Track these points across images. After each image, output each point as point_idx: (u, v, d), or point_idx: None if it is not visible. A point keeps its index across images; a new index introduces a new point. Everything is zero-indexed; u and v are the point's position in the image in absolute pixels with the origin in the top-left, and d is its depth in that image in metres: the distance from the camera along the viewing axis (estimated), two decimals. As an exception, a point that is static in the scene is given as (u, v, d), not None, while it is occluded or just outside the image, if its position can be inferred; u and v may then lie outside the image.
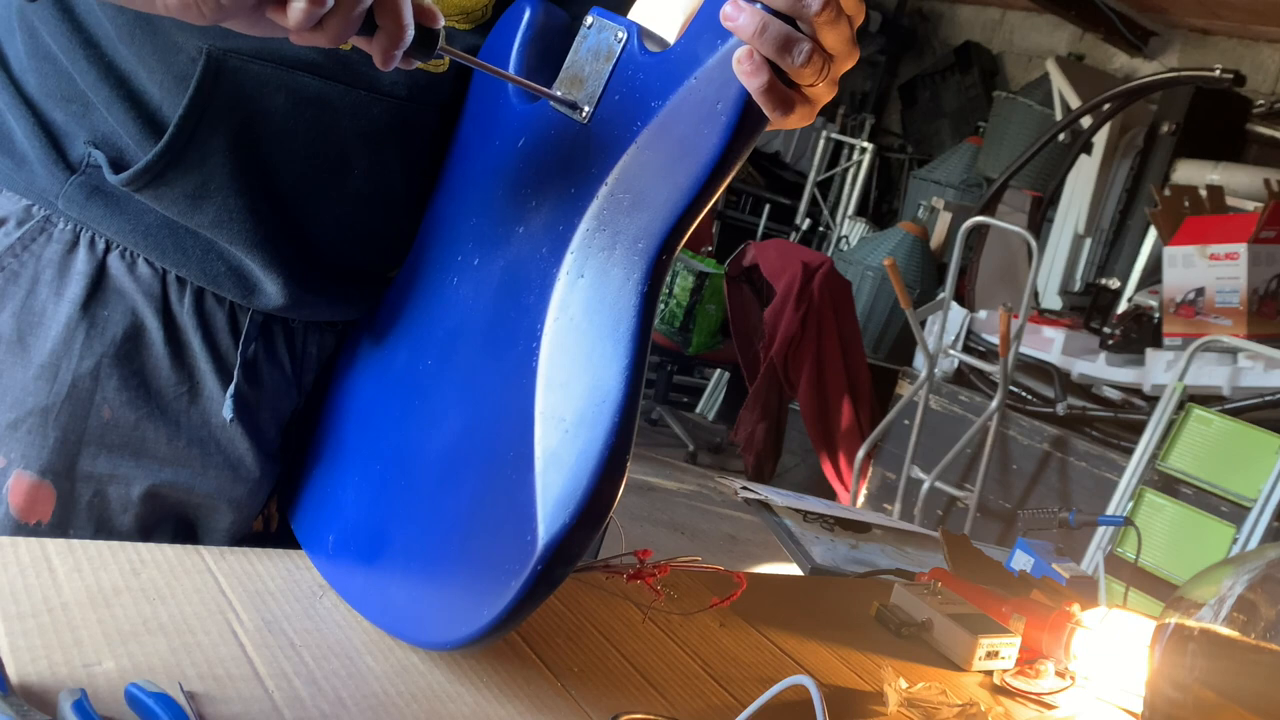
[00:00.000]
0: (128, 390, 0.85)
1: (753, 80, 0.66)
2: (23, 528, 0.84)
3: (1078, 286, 4.53)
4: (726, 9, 0.66)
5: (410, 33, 0.65)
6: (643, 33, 0.76)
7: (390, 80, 0.85)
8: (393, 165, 0.89)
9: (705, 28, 0.70)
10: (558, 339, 0.73)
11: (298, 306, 0.87)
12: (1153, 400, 3.33)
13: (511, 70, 0.83)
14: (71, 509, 0.85)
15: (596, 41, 0.77)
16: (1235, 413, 3.12)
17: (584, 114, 0.76)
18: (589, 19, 0.78)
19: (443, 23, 0.68)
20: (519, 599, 0.69)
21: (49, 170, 0.83)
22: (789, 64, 0.66)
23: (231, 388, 0.87)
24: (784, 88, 0.67)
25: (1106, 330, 3.70)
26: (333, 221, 0.87)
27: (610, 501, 0.69)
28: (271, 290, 0.86)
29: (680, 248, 0.72)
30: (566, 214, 0.76)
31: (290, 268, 0.85)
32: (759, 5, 0.66)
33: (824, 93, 0.69)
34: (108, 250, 0.85)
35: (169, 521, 0.89)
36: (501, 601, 0.70)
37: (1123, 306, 4.01)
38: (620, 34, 0.76)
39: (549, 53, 0.83)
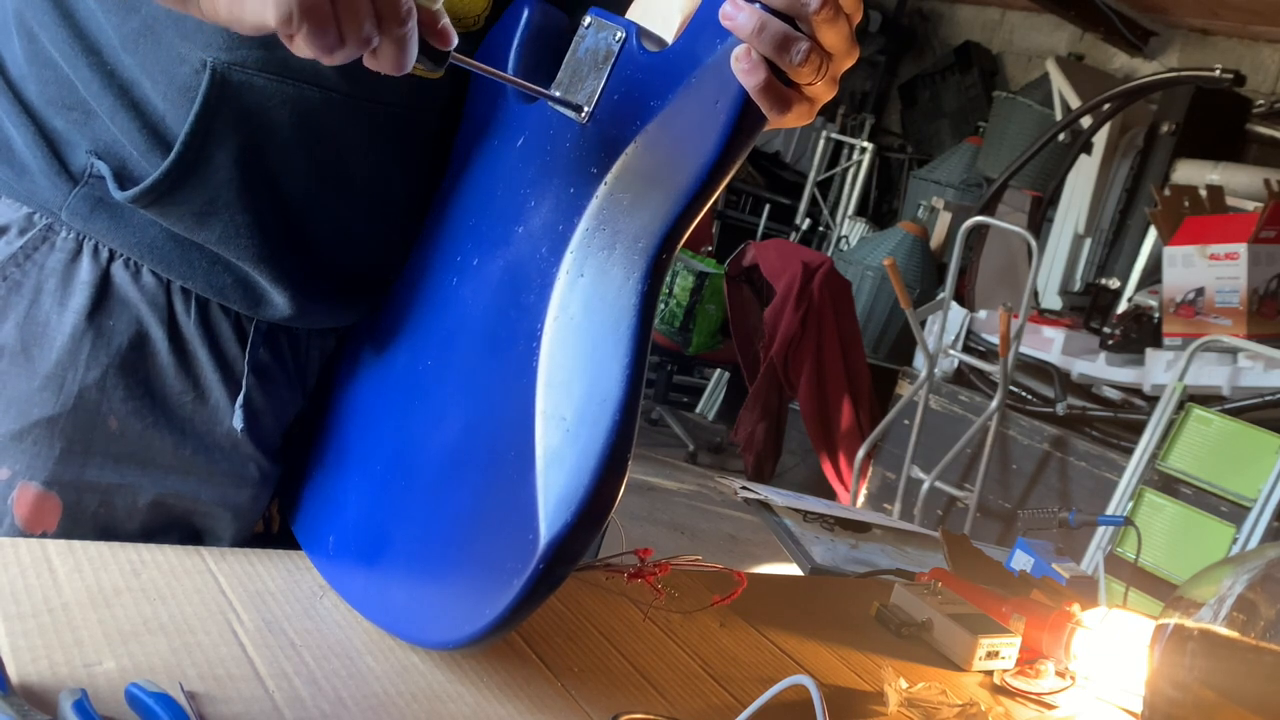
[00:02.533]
0: (134, 400, 0.84)
1: (750, 79, 0.66)
2: (28, 539, 0.83)
3: (1078, 286, 4.52)
4: (725, 8, 0.66)
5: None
6: (641, 32, 0.76)
7: (390, 86, 0.85)
8: (393, 170, 0.89)
9: (704, 27, 0.70)
10: (558, 338, 0.73)
11: (304, 316, 0.87)
12: (1153, 400, 3.33)
13: (510, 71, 0.83)
14: (78, 519, 0.84)
15: (595, 41, 0.77)
16: (1235, 413, 3.12)
17: (583, 114, 0.76)
18: (587, 19, 0.78)
19: (455, 43, 0.68)
20: (520, 598, 0.69)
21: (51, 181, 0.82)
22: (787, 63, 0.66)
23: (241, 397, 0.87)
24: (782, 86, 0.67)
25: (1106, 330, 3.70)
26: (337, 229, 0.87)
27: (611, 500, 0.69)
28: (279, 302, 0.85)
29: (680, 246, 0.72)
30: (566, 213, 0.76)
31: (296, 279, 0.85)
32: (758, 4, 0.65)
33: (823, 91, 0.69)
34: (111, 259, 0.84)
35: (174, 529, 0.88)
36: (503, 601, 0.70)
37: (1123, 306, 4.01)
38: (619, 34, 0.76)
39: (547, 53, 0.83)
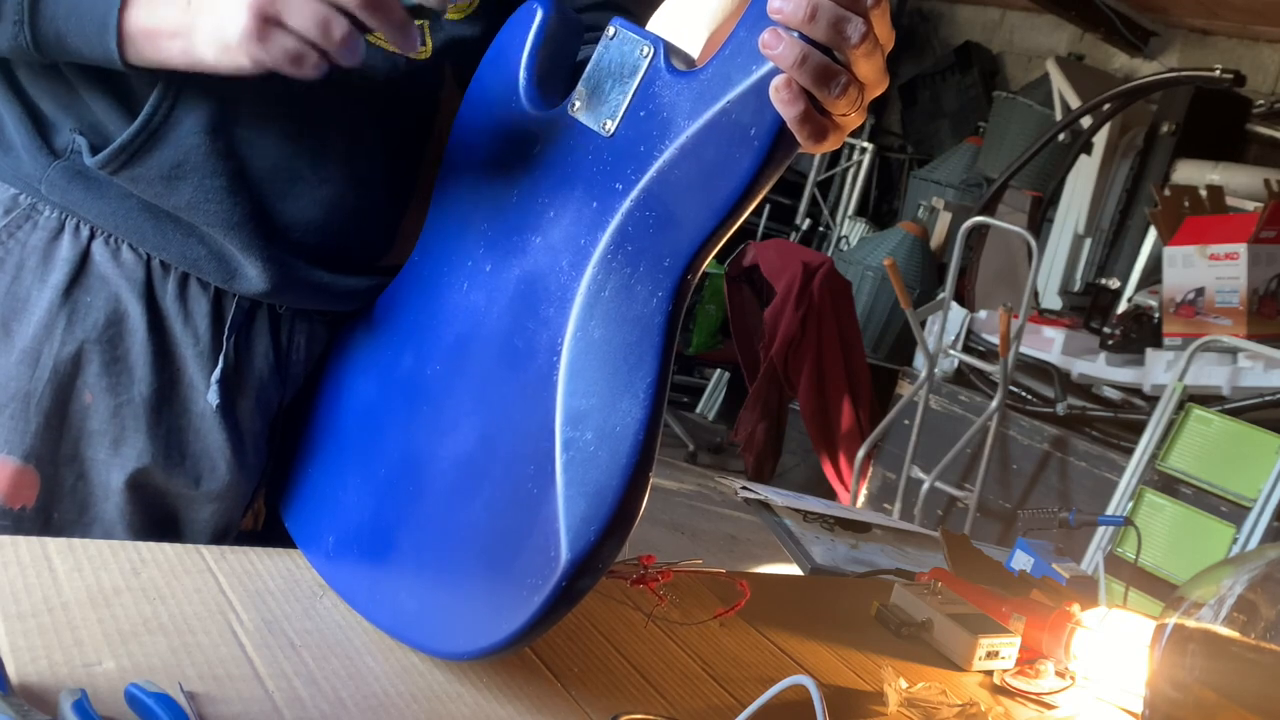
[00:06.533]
0: (109, 376, 0.86)
1: (789, 109, 0.67)
2: (6, 513, 0.85)
3: (1078, 286, 4.52)
4: (765, 37, 0.66)
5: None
6: (669, 49, 0.75)
7: (367, 64, 0.85)
8: (374, 150, 0.89)
9: (739, 51, 0.70)
10: (579, 355, 0.73)
11: (280, 292, 0.88)
12: (1153, 400, 3.32)
13: (522, 73, 0.82)
14: (55, 494, 0.86)
15: (619, 54, 0.76)
16: (1235, 413, 3.11)
17: (607, 127, 0.76)
18: (611, 29, 0.77)
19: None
20: (540, 614, 0.69)
21: (33, 156, 0.84)
22: (826, 95, 0.66)
23: (216, 372, 0.87)
24: (819, 117, 0.68)
25: (1106, 330, 3.70)
26: (312, 204, 0.87)
27: (632, 520, 0.69)
28: (252, 274, 0.86)
29: (704, 267, 0.73)
30: (588, 227, 0.75)
31: (270, 250, 0.86)
32: (797, 35, 0.65)
33: (855, 120, 0.70)
34: (92, 237, 0.86)
35: (151, 511, 0.89)
36: (522, 616, 0.69)
37: (1123, 306, 4.00)
38: (645, 49, 0.75)
39: (561, 56, 0.82)
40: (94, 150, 0.83)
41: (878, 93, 0.70)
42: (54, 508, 0.86)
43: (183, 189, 0.83)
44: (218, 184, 0.83)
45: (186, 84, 0.81)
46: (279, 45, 0.71)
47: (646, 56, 0.75)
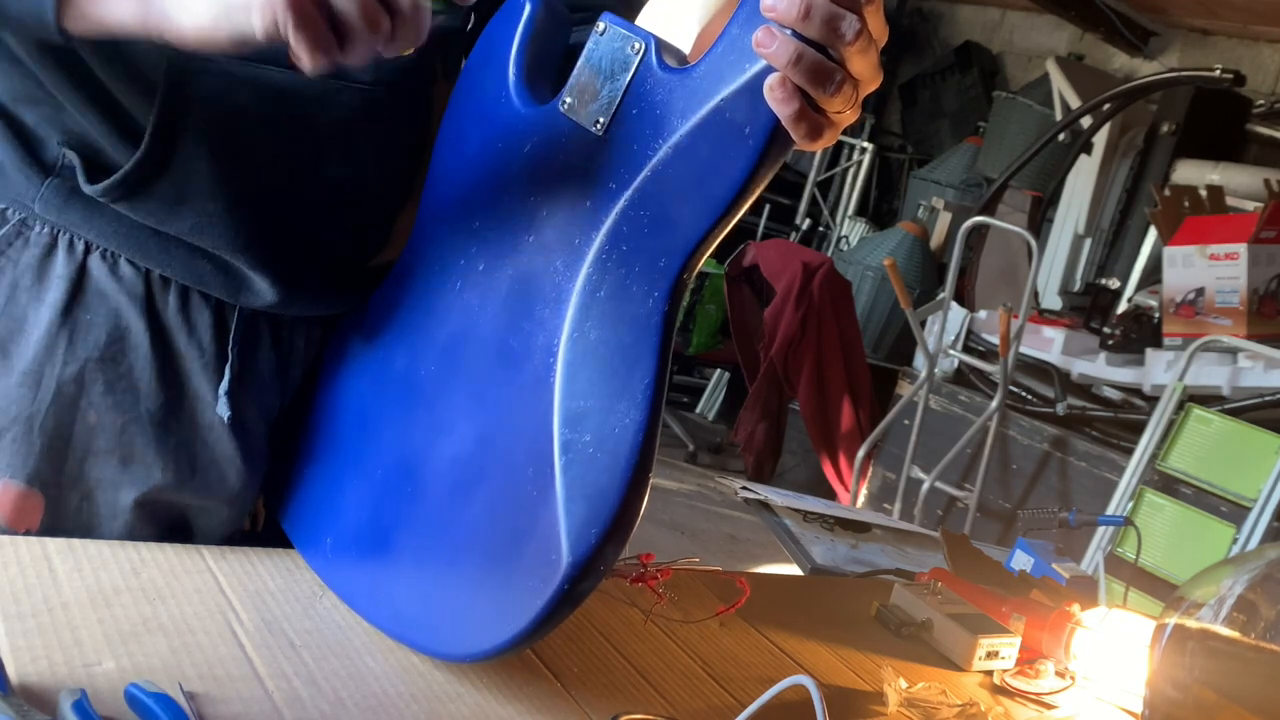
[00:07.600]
0: (113, 394, 0.84)
1: (784, 108, 0.66)
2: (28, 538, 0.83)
3: (1078, 286, 4.52)
4: (759, 35, 0.65)
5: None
6: (660, 45, 0.75)
7: (355, 67, 0.84)
8: (366, 153, 0.88)
9: (731, 48, 0.69)
10: (576, 356, 0.73)
11: (288, 303, 0.87)
12: (1153, 400, 3.32)
13: (511, 70, 0.82)
14: (60, 516, 0.84)
15: (610, 51, 0.75)
16: (1235, 413, 3.11)
17: (599, 125, 0.75)
18: (601, 25, 0.76)
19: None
20: (543, 616, 0.69)
21: (23, 173, 0.82)
22: (821, 93, 0.66)
23: (224, 384, 0.87)
24: (815, 115, 0.67)
25: (1106, 330, 3.70)
26: (311, 213, 0.87)
27: (633, 521, 0.69)
28: (262, 288, 0.85)
29: (703, 266, 0.72)
30: (582, 227, 0.75)
31: (276, 265, 0.85)
32: (790, 33, 0.65)
33: (850, 117, 0.70)
34: (88, 252, 0.84)
35: (161, 526, 0.88)
36: (524, 618, 0.69)
37: (1123, 306, 4.00)
38: (636, 45, 0.74)
39: (550, 51, 0.82)
40: (90, 171, 0.81)
41: (872, 89, 0.69)
42: (60, 531, 0.84)
43: (184, 215, 0.82)
44: (219, 207, 0.82)
45: (182, 105, 0.79)
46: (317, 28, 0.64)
47: (637, 53, 0.74)
